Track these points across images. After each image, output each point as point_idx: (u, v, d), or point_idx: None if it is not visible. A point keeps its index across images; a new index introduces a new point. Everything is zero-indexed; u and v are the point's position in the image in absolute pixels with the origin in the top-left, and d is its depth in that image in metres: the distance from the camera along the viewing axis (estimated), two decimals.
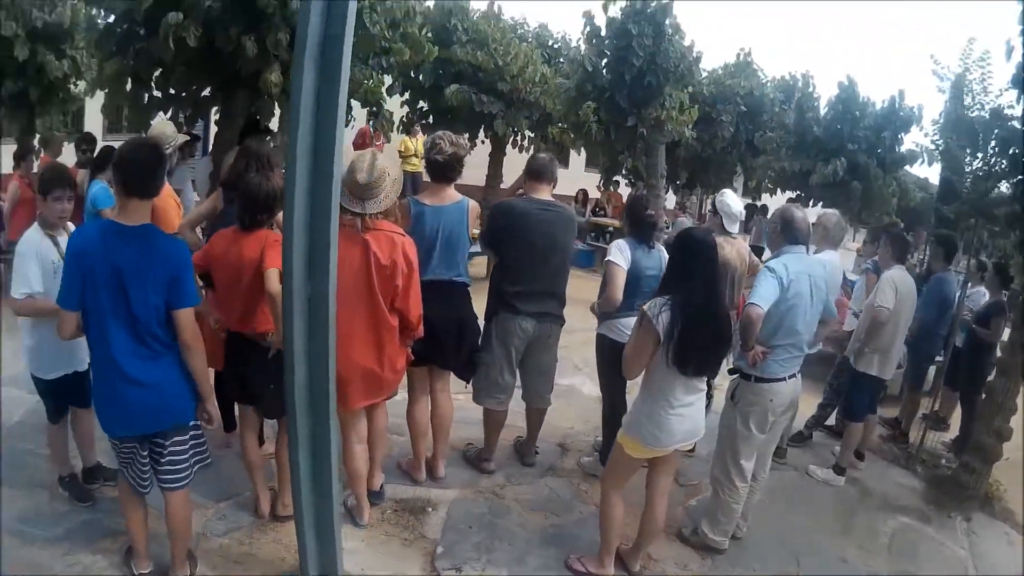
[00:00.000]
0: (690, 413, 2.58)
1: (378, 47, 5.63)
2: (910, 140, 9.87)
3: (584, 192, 12.98)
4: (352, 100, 7.41)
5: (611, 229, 11.58)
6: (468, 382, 3.37)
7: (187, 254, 2.24)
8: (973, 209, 4.83)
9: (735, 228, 3.79)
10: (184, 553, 2.41)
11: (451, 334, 3.09)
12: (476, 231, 3.29)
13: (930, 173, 14.85)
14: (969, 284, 5.89)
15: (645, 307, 2.50)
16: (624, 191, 12.57)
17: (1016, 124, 4.19)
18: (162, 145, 3.77)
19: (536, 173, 3.31)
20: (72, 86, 7.16)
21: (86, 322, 2.13)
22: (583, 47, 8.86)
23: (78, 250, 2.12)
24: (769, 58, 43.36)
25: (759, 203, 12.89)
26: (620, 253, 3.24)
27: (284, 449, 2.65)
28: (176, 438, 2.26)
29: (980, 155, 4.89)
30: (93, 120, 9.27)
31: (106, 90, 5.39)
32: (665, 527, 2.95)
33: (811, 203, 10.40)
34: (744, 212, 4.37)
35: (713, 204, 3.77)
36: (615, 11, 8.15)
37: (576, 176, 14.11)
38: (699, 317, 2.46)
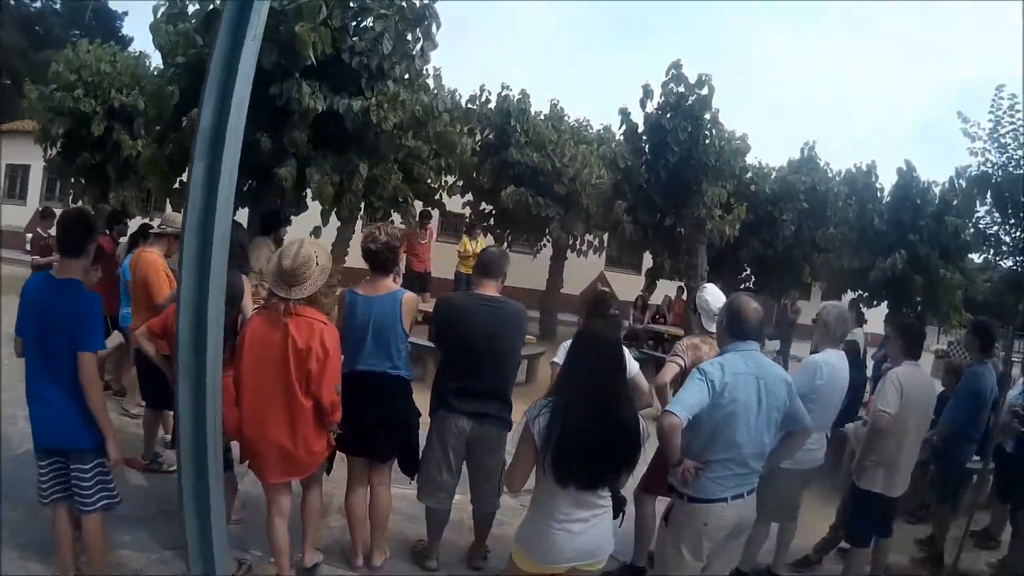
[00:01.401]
0: (583, 529, 2.33)
1: (393, 145, 5.99)
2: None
3: (643, 298, 12.67)
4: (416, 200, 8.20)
5: (667, 336, 10.92)
6: (412, 478, 3.35)
7: (95, 306, 2.62)
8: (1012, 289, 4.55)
9: (712, 327, 3.54)
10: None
11: (382, 425, 3.09)
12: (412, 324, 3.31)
13: None
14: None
15: (526, 409, 2.35)
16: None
17: None
18: (166, 224, 4.45)
19: (483, 268, 3.31)
20: None
21: (24, 348, 2.66)
22: (620, 144, 9.12)
23: (25, 291, 2.67)
24: (837, 152, 43.06)
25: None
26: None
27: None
28: (77, 464, 2.62)
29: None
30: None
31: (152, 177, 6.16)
32: None
33: (874, 303, 9.90)
34: None
35: (694, 301, 3.60)
36: (652, 107, 8.37)
37: (638, 281, 14.01)
38: (584, 423, 2.23)
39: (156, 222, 4.70)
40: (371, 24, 5.67)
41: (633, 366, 3.20)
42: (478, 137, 11.19)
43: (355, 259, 10.34)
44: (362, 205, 6.45)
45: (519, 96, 11.41)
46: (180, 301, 2.14)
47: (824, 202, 11.57)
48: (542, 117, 11.70)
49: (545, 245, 12.18)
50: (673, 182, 7.82)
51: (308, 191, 5.94)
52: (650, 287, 10.29)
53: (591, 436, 2.24)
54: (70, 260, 2.66)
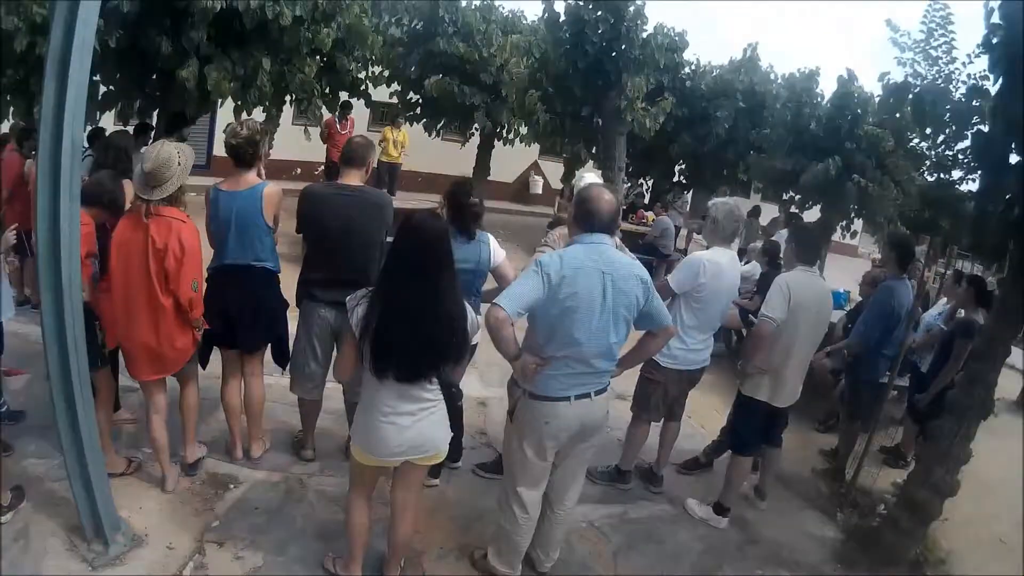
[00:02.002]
0: (411, 423, 2.32)
1: (296, 39, 6.00)
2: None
3: (570, 188, 12.59)
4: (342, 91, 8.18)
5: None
6: (284, 369, 3.43)
7: None
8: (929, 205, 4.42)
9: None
10: None
11: (247, 317, 3.16)
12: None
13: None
14: (944, 299, 5.35)
15: (348, 297, 2.30)
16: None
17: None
18: None
19: (346, 158, 3.25)
20: None
21: None
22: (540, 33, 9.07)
23: None
24: (784, 56, 41.50)
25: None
26: None
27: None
28: None
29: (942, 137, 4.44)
30: None
31: None
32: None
33: (807, 205, 10.15)
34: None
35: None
36: None
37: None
38: (400, 314, 2.18)
39: None
40: None
41: (499, 254, 3.24)
42: (405, 27, 11.07)
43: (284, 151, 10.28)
44: (288, 99, 6.47)
45: None
46: (36, 215, 2.36)
47: (762, 103, 11.48)
48: (473, 7, 11.42)
49: (474, 134, 12.10)
50: (592, 73, 7.89)
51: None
52: (569, 175, 10.46)
53: (408, 328, 2.19)
54: None
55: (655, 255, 9.09)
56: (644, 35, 8.20)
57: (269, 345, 3.42)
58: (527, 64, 10.10)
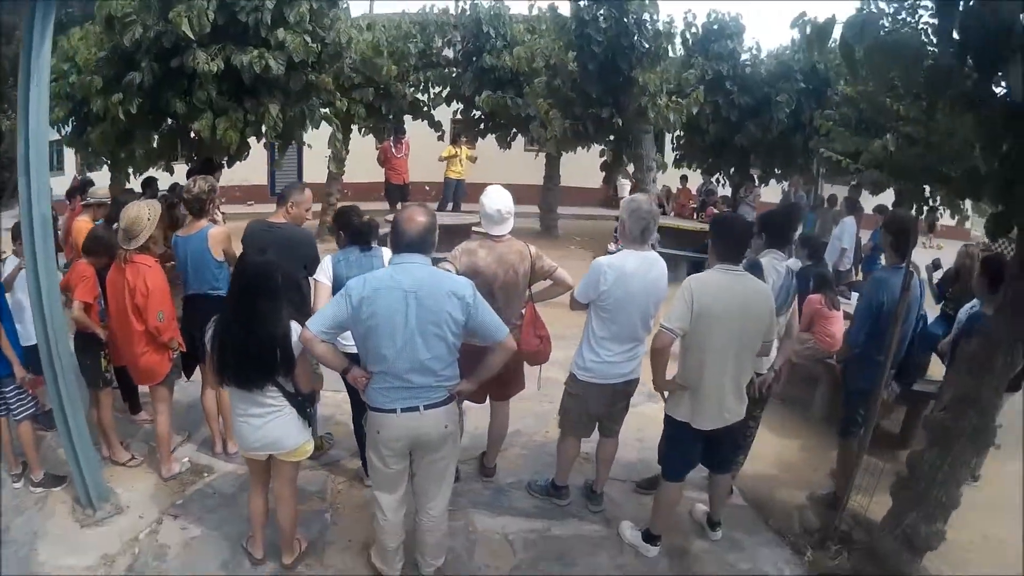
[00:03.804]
0: (261, 424, 2.89)
1: (300, 82, 7.13)
2: None
3: (668, 189, 12.76)
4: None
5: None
6: None
7: None
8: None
9: (498, 229, 3.58)
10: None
11: (204, 335, 3.87)
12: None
13: None
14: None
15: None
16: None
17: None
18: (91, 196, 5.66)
19: (279, 197, 4.04)
20: None
21: None
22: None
23: None
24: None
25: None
26: (323, 271, 3.60)
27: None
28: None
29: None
30: None
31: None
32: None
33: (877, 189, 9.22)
34: (509, 211, 3.66)
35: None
36: None
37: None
38: (231, 335, 2.81)
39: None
40: None
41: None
42: (459, 47, 12.18)
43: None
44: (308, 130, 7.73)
45: (492, 2, 12.11)
46: (27, 270, 3.42)
47: (827, 82, 11.01)
48: (521, 19, 12.28)
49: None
50: (604, 72, 8.20)
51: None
52: (608, 179, 10.74)
53: (237, 346, 2.80)
54: None
55: None
56: (658, 26, 8.36)
57: None
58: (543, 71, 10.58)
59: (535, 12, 12.22)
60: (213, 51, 6.44)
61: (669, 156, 12.76)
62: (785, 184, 12.74)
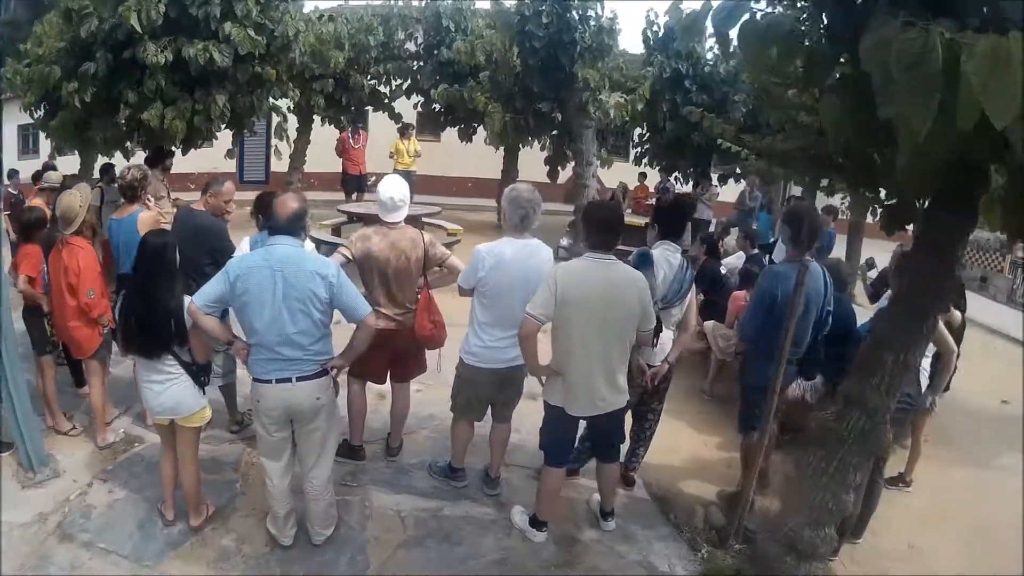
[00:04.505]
0: (162, 390, 3.24)
1: (248, 73, 7.50)
2: None
3: (624, 186, 12.84)
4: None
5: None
6: None
7: None
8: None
9: (392, 216, 3.78)
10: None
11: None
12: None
13: None
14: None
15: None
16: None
17: None
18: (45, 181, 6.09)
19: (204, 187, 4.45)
20: None
21: None
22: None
23: None
24: None
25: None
26: (240, 250, 3.95)
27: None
28: None
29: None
30: None
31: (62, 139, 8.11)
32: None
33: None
34: (403, 199, 3.86)
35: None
36: None
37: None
38: (131, 306, 3.19)
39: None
40: None
41: (309, 247, 3.70)
42: (420, 40, 12.61)
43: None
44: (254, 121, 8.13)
45: None
46: None
47: None
48: (483, 13, 12.52)
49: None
50: (545, 67, 8.58)
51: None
52: (552, 174, 11.05)
53: (138, 320, 3.17)
54: None
55: None
56: (602, 22, 8.74)
57: None
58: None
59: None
60: (163, 43, 6.79)
61: (629, 153, 13.03)
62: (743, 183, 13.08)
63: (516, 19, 8.97)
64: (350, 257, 3.74)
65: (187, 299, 3.16)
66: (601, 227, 3.23)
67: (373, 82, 12.37)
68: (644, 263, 3.57)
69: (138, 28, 6.41)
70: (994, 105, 1.48)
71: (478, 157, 13.81)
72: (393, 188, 3.82)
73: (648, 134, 12.91)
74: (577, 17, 8.66)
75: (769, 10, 2.33)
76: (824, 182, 7.42)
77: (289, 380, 3.02)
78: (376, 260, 3.76)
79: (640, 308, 3.20)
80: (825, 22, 2.34)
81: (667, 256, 3.70)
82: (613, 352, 3.22)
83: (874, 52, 1.76)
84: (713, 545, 3.64)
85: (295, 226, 3.06)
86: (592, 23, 8.80)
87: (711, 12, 2.26)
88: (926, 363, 4.13)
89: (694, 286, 3.88)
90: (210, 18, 6.96)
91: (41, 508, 3.71)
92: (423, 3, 12.85)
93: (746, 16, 2.22)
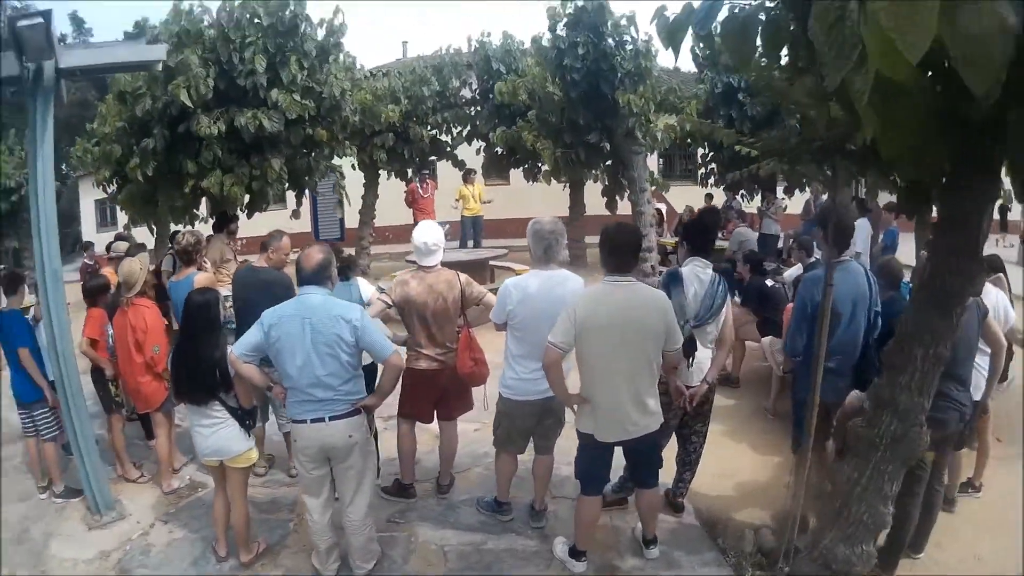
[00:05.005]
0: (209, 434, 3.48)
1: (300, 136, 7.98)
2: None
3: (691, 209, 12.71)
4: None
5: (670, 249, 11.11)
6: None
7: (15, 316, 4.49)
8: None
9: (427, 260, 3.92)
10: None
11: None
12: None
13: None
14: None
15: None
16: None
17: None
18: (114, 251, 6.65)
19: (261, 245, 4.75)
20: None
21: None
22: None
23: None
24: None
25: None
26: None
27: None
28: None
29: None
30: None
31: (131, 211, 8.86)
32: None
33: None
34: (436, 243, 4.02)
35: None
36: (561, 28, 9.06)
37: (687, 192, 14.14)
38: (180, 358, 3.51)
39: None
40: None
41: (368, 291, 4.40)
42: (474, 85, 12.88)
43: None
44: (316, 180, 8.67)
45: (500, 40, 12.78)
46: (43, 317, 4.19)
47: None
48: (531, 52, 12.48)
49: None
50: (588, 98, 8.64)
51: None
52: (610, 205, 10.84)
53: (187, 370, 3.46)
54: None
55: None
56: (638, 46, 8.75)
57: None
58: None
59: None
60: (215, 115, 7.31)
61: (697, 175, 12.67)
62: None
63: (554, 53, 9.07)
64: (390, 303, 3.92)
65: (230, 349, 3.37)
66: (617, 250, 3.20)
67: (433, 132, 12.66)
68: (673, 282, 3.59)
69: (188, 103, 6.94)
70: (906, 38, 1.38)
71: (544, 196, 13.75)
72: (427, 234, 3.98)
73: (712, 153, 12.64)
74: (613, 44, 8.70)
75: (747, 3, 2.23)
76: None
77: (323, 420, 3.21)
78: (414, 303, 3.91)
79: (663, 327, 3.15)
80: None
81: (697, 272, 3.67)
82: (639, 375, 3.17)
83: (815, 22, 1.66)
84: (760, 568, 3.50)
85: (321, 276, 3.29)
86: (628, 48, 8.82)
87: (691, 17, 2.19)
88: (983, 360, 3.79)
89: (728, 301, 3.77)
90: (258, 87, 7.48)
91: (104, 546, 4.00)
92: (472, 48, 13.17)
93: (725, 13, 2.16)
